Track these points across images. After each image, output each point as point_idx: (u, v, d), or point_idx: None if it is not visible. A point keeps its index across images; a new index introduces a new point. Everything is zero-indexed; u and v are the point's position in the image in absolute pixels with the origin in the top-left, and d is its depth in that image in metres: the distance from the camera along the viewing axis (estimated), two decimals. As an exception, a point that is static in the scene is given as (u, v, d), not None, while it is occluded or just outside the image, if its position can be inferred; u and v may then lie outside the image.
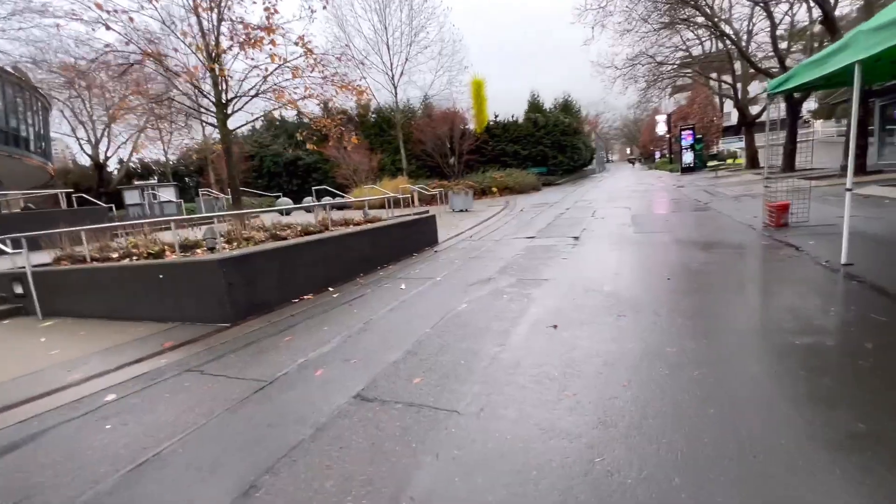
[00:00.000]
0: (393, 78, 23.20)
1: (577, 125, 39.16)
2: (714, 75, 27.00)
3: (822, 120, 46.19)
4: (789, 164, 16.88)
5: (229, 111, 7.06)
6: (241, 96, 6.98)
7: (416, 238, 7.92)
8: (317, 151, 28.64)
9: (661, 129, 42.66)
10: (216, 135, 32.80)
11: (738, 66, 21.95)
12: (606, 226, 8.67)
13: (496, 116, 34.12)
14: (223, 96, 6.66)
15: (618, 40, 19.55)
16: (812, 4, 16.22)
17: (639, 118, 65.74)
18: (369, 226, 7.38)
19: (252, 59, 7.08)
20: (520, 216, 12.22)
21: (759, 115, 21.67)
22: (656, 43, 20.97)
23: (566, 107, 40.76)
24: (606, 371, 2.63)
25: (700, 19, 18.79)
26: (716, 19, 17.40)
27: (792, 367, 2.48)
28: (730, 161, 22.33)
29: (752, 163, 21.54)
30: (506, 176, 23.00)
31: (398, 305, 4.49)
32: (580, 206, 13.16)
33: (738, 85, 22.59)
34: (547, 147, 33.25)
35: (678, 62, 24.28)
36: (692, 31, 22.58)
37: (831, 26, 12.10)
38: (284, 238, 6.37)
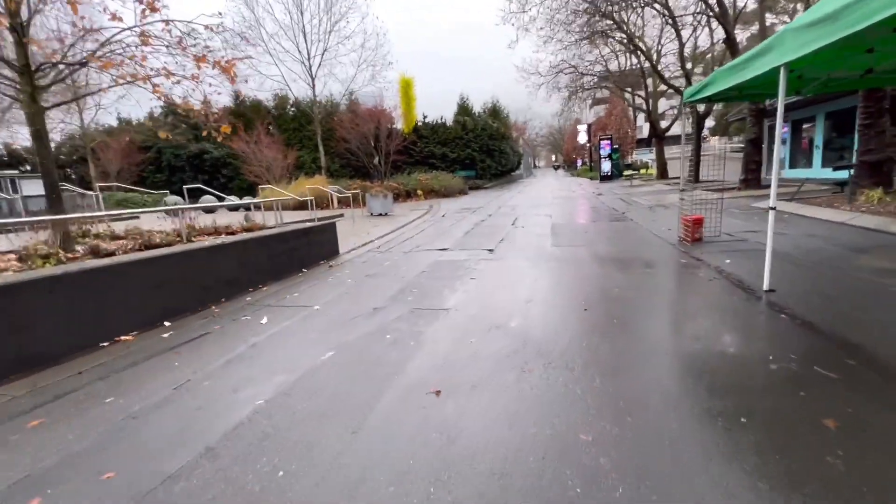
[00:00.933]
0: (310, 69, 21.36)
1: (506, 130, 39.66)
2: (629, 90, 28.52)
3: (717, 137, 51.59)
4: (695, 176, 17.86)
5: (44, 82, 5.30)
6: (60, 64, 5.26)
7: (307, 251, 6.67)
8: (228, 145, 25.92)
9: (583, 138, 44.71)
10: (104, 119, 28.29)
11: (650, 82, 23.21)
12: (525, 236, 8.06)
13: (425, 117, 33.35)
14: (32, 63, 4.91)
15: (541, 47, 19.64)
16: (714, 27, 17.36)
17: (563, 127, 69.04)
18: (245, 236, 6.00)
19: (83, 17, 5.38)
20: (440, 222, 11.36)
21: (669, 128, 23.08)
22: (577, 55, 21.47)
23: (495, 112, 41.14)
24: (493, 487, 1.71)
25: (618, 35, 19.45)
26: (630, 33, 18.02)
27: (738, 472, 1.73)
28: (643, 171, 23.53)
29: (663, 173, 22.85)
30: (431, 179, 22.20)
31: (242, 354, 3.29)
32: (503, 213, 12.64)
33: (650, 100, 23.92)
34: (475, 151, 33.12)
35: (597, 75, 25.22)
36: (609, 47, 23.56)
37: (733, 46, 12.77)
38: (111, 254, 4.83)
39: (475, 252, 6.80)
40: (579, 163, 58.76)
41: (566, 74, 21.70)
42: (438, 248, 7.41)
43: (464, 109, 37.86)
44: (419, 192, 21.08)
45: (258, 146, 22.66)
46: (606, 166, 29.27)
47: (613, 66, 26.72)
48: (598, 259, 5.77)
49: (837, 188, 9.94)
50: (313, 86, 21.81)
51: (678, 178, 22.28)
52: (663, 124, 24.59)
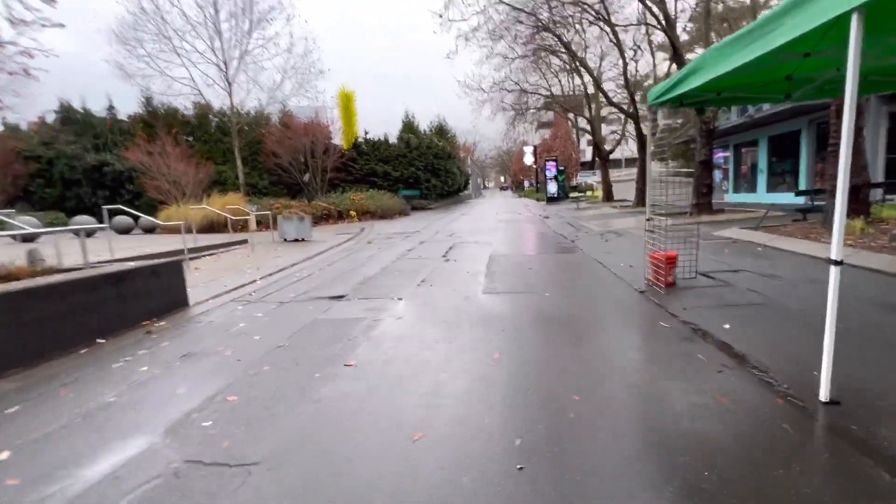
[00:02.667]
0: (227, 74, 18.81)
1: (452, 150, 38.59)
2: (573, 113, 28.37)
3: (655, 161, 53.96)
4: (640, 200, 17.15)
5: None
6: None
7: (116, 307, 4.37)
8: (125, 156, 22.45)
9: (529, 159, 44.70)
10: None
11: (594, 106, 22.86)
12: (454, 275, 6.21)
13: (366, 133, 31.41)
14: None
15: (484, 61, 18.50)
16: (655, 47, 17.00)
17: (511, 149, 69.84)
18: (-17, 291, 3.61)
19: None
20: (359, 252, 9.32)
21: (612, 151, 22.72)
22: (521, 72, 20.66)
23: (441, 131, 40.05)
24: None
25: (561, 53, 18.80)
26: (573, 52, 17.30)
27: None
28: (589, 193, 22.89)
29: (608, 196, 22.33)
30: (367, 199, 20.14)
31: None
32: (437, 240, 10.83)
33: (595, 123, 23.57)
34: (420, 170, 31.52)
35: (542, 96, 24.67)
36: (551, 70, 23.05)
37: (679, 59, 12.04)
38: None
39: (378, 303, 4.84)
40: (527, 184, 59.19)
41: (510, 92, 20.76)
42: (334, 294, 5.37)
43: (409, 127, 36.39)
44: (352, 213, 18.93)
45: (164, 158, 19.58)
46: (553, 188, 28.71)
47: (557, 89, 26.45)
48: (543, 321, 3.99)
49: (799, 215, 9.05)
50: (230, 92, 19.22)
51: (624, 200, 21.85)
52: (607, 147, 24.37)
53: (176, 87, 19.23)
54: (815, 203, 8.82)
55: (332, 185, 27.06)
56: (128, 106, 26.99)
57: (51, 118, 27.06)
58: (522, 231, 12.19)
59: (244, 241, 11.54)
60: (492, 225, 14.32)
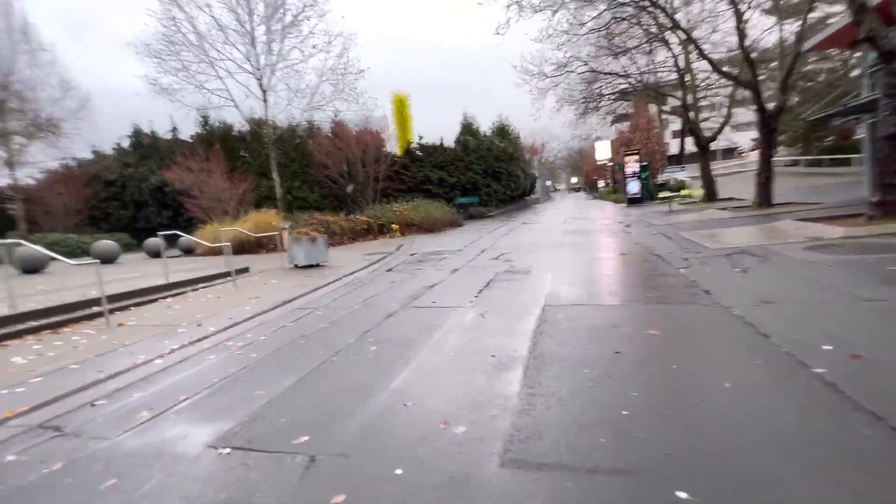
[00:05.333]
0: (261, 80, 17.55)
1: (516, 151, 35.23)
2: (658, 95, 23.71)
3: (758, 150, 45.60)
4: (765, 198, 12.74)
5: None
6: None
7: None
8: (160, 174, 22.29)
9: (603, 154, 39.85)
10: (32, 157, 24.73)
11: (688, 81, 18.36)
12: (457, 373, 3.25)
13: (420, 138, 29.30)
14: None
15: (544, 39, 15.26)
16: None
17: (582, 147, 64.27)
18: None
19: None
20: (354, 294, 6.70)
21: (715, 137, 18.04)
22: (594, 47, 17.03)
23: (503, 131, 36.84)
24: None
25: (649, 12, 14.95)
26: (668, 12, 13.39)
27: None
28: (685, 192, 18.37)
29: (710, 194, 17.69)
30: (411, 210, 17.70)
31: None
32: (476, 267, 7.89)
33: (687, 105, 18.97)
34: (478, 174, 28.68)
35: (618, 83, 20.64)
36: (628, 55, 18.95)
37: None
38: None
39: (266, 462, 2.08)
40: (601, 184, 53.67)
41: (578, 75, 17.18)
42: (204, 430, 2.72)
43: (468, 129, 33.66)
44: (394, 226, 16.60)
45: (208, 175, 18.87)
46: (634, 187, 24.21)
47: (635, 71, 22.12)
48: None
49: None
50: (265, 100, 17.92)
51: (732, 198, 17.10)
52: (706, 134, 19.57)
53: (215, 100, 18.32)
54: None
55: (385, 194, 25.23)
56: (191, 127, 27.42)
57: (125, 143, 28.50)
58: (598, 250, 8.79)
59: (244, 270, 9.51)
60: (556, 240, 11.01)
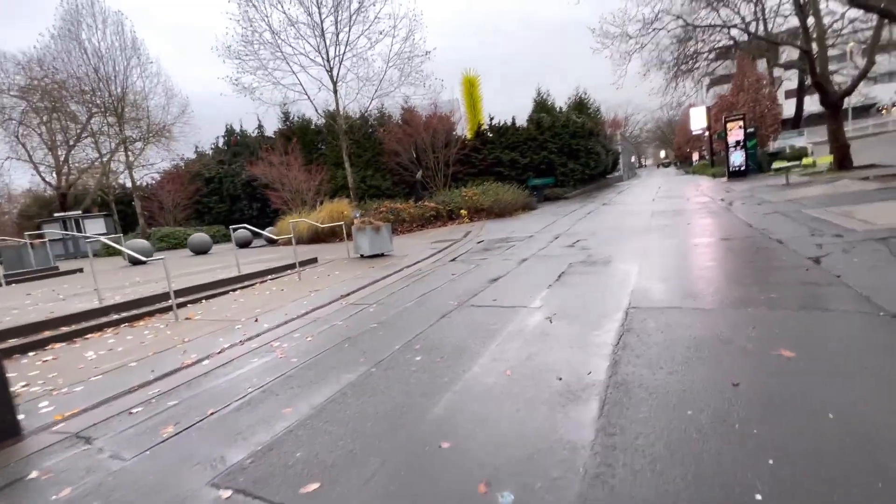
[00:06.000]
0: (331, 72, 17.80)
1: (595, 126, 32.59)
2: (771, 46, 20.04)
3: (905, 106, 36.94)
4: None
5: None
6: None
7: None
8: (248, 169, 23.82)
9: (699, 124, 35.42)
10: (146, 159, 28.08)
11: (813, 22, 15.11)
12: (523, 390, 2.61)
13: (491, 119, 28.26)
14: None
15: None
16: None
17: (673, 118, 57.97)
18: None
19: None
20: (413, 287, 6.28)
21: (850, 92, 14.72)
22: (686, 4, 14.66)
23: (581, 106, 34.34)
24: None
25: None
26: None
27: None
28: (806, 161, 15.35)
29: (842, 161, 14.56)
30: (480, 194, 16.98)
31: None
32: (548, 256, 7.05)
33: (811, 53, 15.66)
34: (553, 153, 26.98)
35: (720, 28, 17.69)
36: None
37: None
38: None
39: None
40: (695, 157, 48.09)
41: (669, 32, 14.96)
42: (217, 457, 2.41)
43: (542, 106, 31.77)
44: (462, 212, 16.05)
45: (287, 168, 19.84)
46: (738, 157, 20.99)
47: (738, 19, 18.78)
48: None
49: None
50: (335, 90, 18.19)
51: (874, 165, 13.86)
52: (836, 89, 16.07)
53: (291, 95, 19.04)
54: None
55: (455, 179, 24.79)
56: (274, 123, 29.22)
57: (220, 143, 31.23)
58: (696, 235, 7.42)
59: (312, 261, 9.62)
60: (642, 223, 9.65)
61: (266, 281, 7.83)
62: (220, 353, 4.12)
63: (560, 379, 2.68)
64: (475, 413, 2.42)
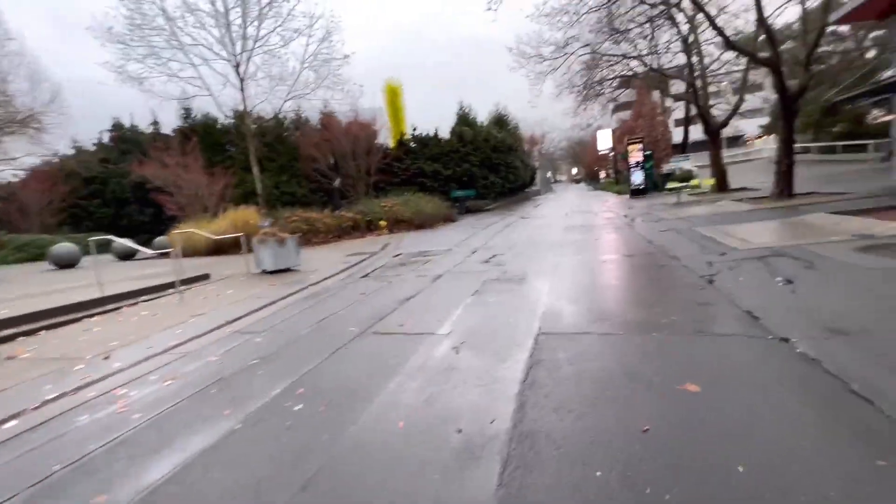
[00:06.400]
0: (238, 67, 16.32)
1: (514, 142, 33.95)
2: (664, 78, 22.35)
3: (764, 137, 43.69)
4: (786, 188, 11.60)
5: None
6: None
7: None
8: (134, 171, 21.14)
9: (604, 144, 38.56)
10: (4, 152, 23.67)
11: (697, 62, 17.07)
12: (415, 448, 2.19)
13: (414, 129, 28.07)
14: None
15: (539, 12, 13.99)
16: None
17: (583, 138, 62.67)
18: None
19: None
20: (315, 308, 5.62)
21: (726, 123, 16.80)
22: (594, 27, 15.75)
23: (500, 122, 35.52)
24: None
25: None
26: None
27: None
28: (694, 183, 17.18)
29: (722, 184, 16.49)
30: (401, 204, 16.56)
31: None
32: (463, 273, 6.78)
33: (696, 89, 17.67)
34: (475, 166, 27.48)
35: (623, 57, 19.32)
36: (629, 39, 17.60)
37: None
38: None
39: None
40: (602, 175, 52.35)
41: (579, 58, 15.94)
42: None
43: (464, 120, 32.30)
44: (382, 223, 15.47)
45: (184, 170, 17.73)
46: (638, 177, 23.01)
47: (637, 52, 20.73)
48: None
49: None
50: (242, 89, 16.72)
51: (745, 189, 15.89)
52: (716, 120, 18.29)
53: (190, 90, 17.11)
54: None
55: (377, 188, 24.09)
56: (174, 121, 26.03)
57: (106, 138, 27.29)
58: (604, 251, 7.67)
59: (202, 278, 8.43)
60: (555, 237, 9.89)
61: (138, 303, 6.60)
62: (36, 408, 3.16)
63: (460, 431, 2.29)
64: (351, 490, 1.93)
